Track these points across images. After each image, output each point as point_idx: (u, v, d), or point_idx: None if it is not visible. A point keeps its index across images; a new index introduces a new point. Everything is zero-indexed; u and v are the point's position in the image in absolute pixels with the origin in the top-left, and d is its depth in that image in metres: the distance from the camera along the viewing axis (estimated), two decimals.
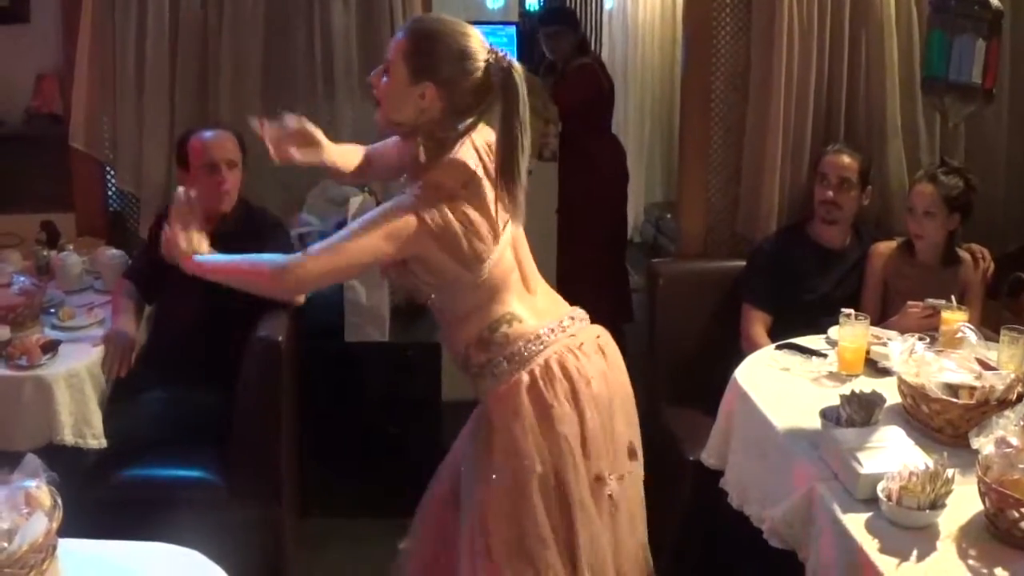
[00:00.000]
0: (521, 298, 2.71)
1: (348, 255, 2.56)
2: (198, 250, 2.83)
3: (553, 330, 2.69)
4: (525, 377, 2.63)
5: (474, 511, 2.67)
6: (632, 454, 2.83)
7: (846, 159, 4.15)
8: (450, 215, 2.51)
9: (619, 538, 2.75)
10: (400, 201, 2.54)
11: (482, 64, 2.53)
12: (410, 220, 2.49)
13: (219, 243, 3.79)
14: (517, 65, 2.53)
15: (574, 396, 2.64)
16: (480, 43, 2.56)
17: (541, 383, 2.63)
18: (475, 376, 2.74)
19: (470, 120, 2.61)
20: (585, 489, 2.64)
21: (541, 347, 2.66)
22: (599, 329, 2.86)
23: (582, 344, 2.72)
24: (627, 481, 2.79)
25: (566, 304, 2.85)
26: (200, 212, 2.97)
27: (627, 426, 2.83)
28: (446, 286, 2.64)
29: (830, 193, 4.13)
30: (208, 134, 3.96)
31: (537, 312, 2.72)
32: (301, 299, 3.91)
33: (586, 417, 2.64)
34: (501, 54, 2.55)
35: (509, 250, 2.69)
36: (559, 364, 2.65)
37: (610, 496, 2.70)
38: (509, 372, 2.66)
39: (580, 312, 2.83)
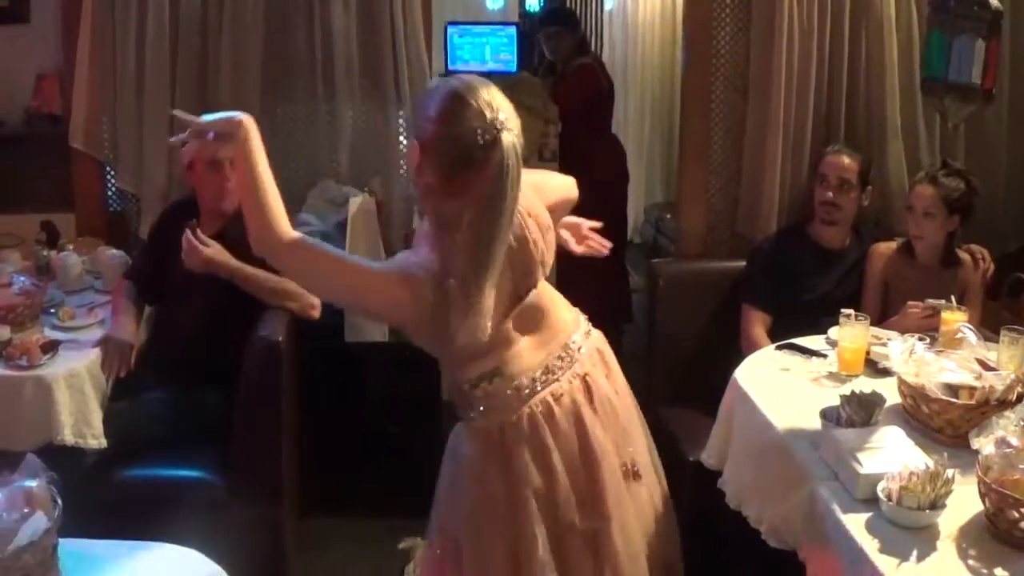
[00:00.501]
0: (509, 346, 2.61)
1: (332, 265, 2.50)
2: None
3: (535, 380, 2.60)
4: (495, 432, 2.59)
5: (435, 527, 2.73)
6: (634, 476, 2.77)
7: (846, 160, 4.15)
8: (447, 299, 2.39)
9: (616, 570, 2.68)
10: (410, 267, 2.44)
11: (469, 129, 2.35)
12: (404, 296, 2.40)
13: (222, 244, 3.83)
14: (507, 138, 2.35)
15: (542, 455, 2.58)
16: (479, 106, 2.36)
17: (510, 441, 2.58)
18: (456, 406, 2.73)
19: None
20: (544, 546, 2.57)
21: (518, 402, 2.58)
22: (597, 342, 2.81)
23: (562, 395, 2.62)
24: (620, 516, 2.69)
25: (566, 327, 2.73)
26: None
27: (624, 444, 2.76)
28: (424, 341, 2.57)
29: (830, 194, 4.13)
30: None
31: (526, 357, 2.62)
32: (316, 313, 3.92)
33: (555, 474, 2.59)
34: (496, 120, 2.36)
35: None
36: (530, 424, 2.58)
37: (590, 537, 2.64)
38: (483, 422, 2.61)
39: (576, 337, 2.73)
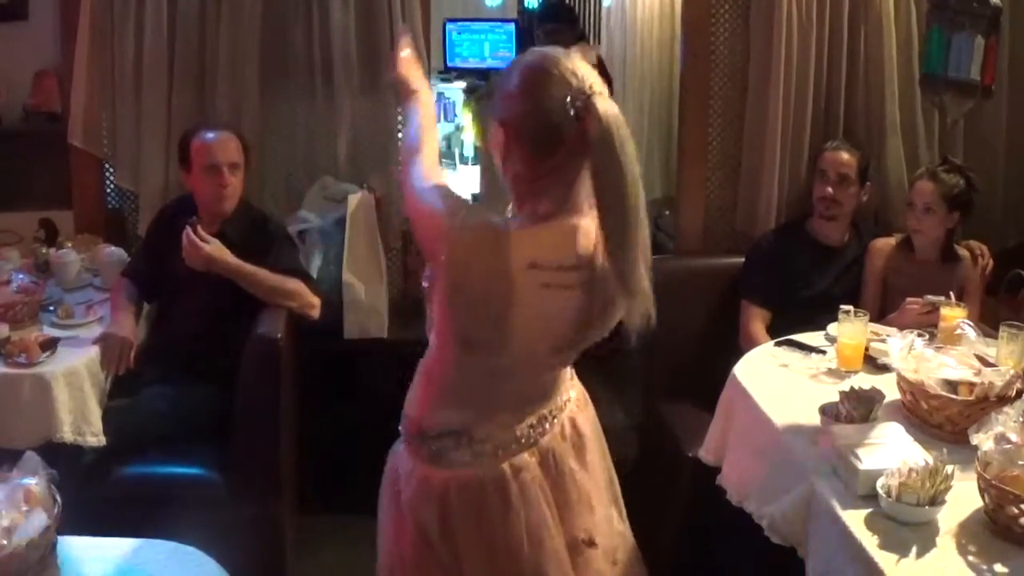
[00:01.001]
0: (499, 410, 2.35)
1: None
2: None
3: (498, 447, 2.33)
4: (437, 482, 2.35)
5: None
6: (587, 544, 2.47)
7: (845, 155, 4.15)
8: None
9: None
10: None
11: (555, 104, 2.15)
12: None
13: (222, 243, 3.83)
14: (602, 103, 2.13)
15: (488, 525, 2.34)
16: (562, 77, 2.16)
17: (451, 497, 2.33)
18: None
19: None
20: None
21: (474, 463, 2.33)
22: (573, 406, 2.49)
23: (521, 471, 2.33)
24: None
25: (554, 392, 2.43)
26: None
27: (577, 520, 2.45)
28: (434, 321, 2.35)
29: (829, 189, 4.13)
30: (211, 135, 3.96)
31: (503, 429, 2.34)
32: (316, 313, 3.92)
33: (494, 548, 2.34)
34: (585, 85, 2.15)
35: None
36: (478, 489, 2.33)
37: None
38: (427, 463, 2.38)
39: (554, 406, 2.42)
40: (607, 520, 2.55)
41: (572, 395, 2.49)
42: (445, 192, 2.29)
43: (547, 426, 2.38)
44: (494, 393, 2.34)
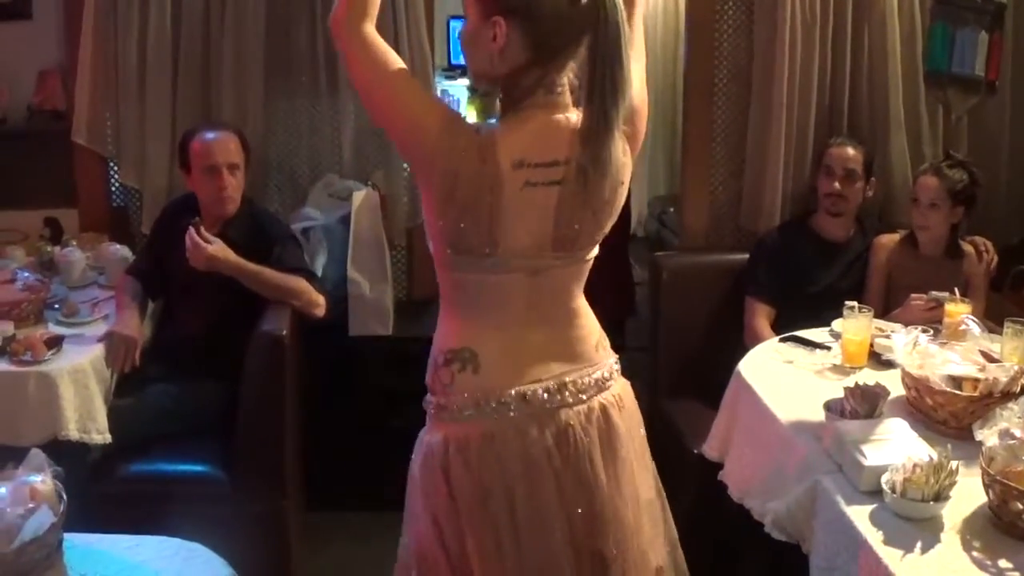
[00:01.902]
0: (503, 329, 2.26)
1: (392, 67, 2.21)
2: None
3: (506, 404, 2.23)
4: (438, 441, 2.26)
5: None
6: (593, 562, 2.32)
7: (851, 151, 4.16)
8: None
9: None
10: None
11: None
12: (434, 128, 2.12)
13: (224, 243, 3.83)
14: None
15: (490, 495, 2.23)
16: None
17: (454, 459, 2.23)
18: None
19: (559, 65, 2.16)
20: None
21: (475, 412, 2.23)
22: (611, 396, 2.36)
23: (531, 446, 2.22)
24: None
25: (582, 355, 2.33)
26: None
27: (591, 533, 2.31)
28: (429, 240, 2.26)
29: (836, 185, 4.13)
30: (210, 135, 3.95)
31: (511, 365, 2.25)
32: (320, 311, 3.92)
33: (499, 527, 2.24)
34: None
35: (522, 271, 2.23)
36: (483, 446, 2.22)
37: None
38: (432, 421, 2.31)
39: (586, 377, 2.31)
40: (641, 548, 2.39)
41: (611, 384, 2.37)
42: (423, 98, 2.22)
43: (567, 396, 2.27)
44: (496, 302, 2.26)
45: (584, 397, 2.30)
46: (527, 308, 2.26)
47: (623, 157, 2.21)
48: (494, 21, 2.09)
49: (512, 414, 2.22)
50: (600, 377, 2.34)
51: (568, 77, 2.17)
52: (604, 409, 2.32)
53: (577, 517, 2.28)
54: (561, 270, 2.28)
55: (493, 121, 2.23)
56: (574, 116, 2.16)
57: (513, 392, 2.22)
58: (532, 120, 2.16)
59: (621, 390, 2.40)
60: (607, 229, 2.29)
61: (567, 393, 2.27)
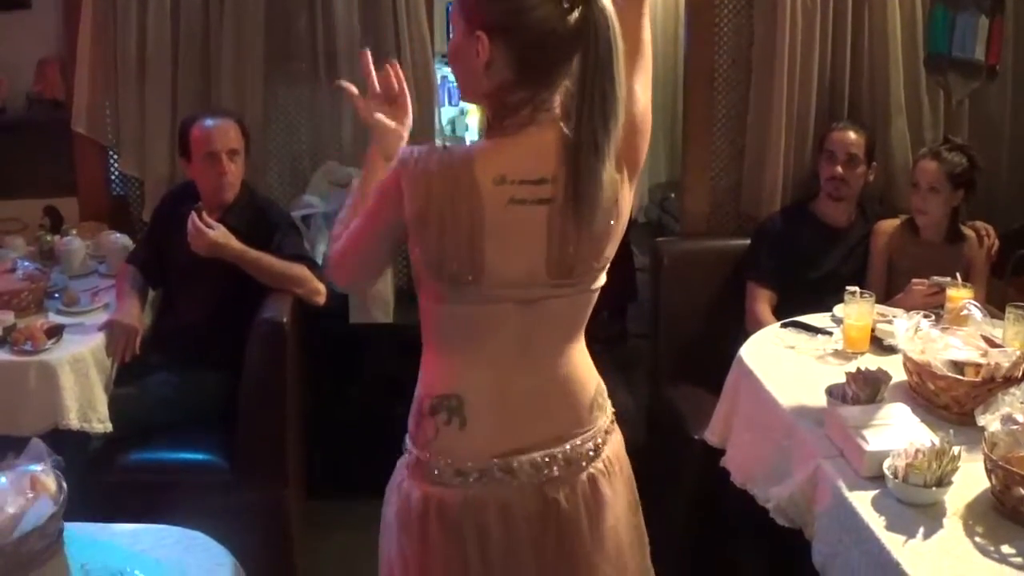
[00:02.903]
0: (492, 368, 2.13)
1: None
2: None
3: (485, 471, 2.11)
4: (417, 498, 2.16)
5: None
6: None
7: (852, 135, 4.15)
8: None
9: None
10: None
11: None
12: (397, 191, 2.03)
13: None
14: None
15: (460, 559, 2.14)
16: None
17: (429, 515, 2.14)
18: None
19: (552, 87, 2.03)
20: None
21: (454, 481, 2.12)
22: (596, 469, 2.21)
23: (511, 507, 2.13)
24: None
25: (571, 413, 2.19)
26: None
27: None
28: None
29: (839, 169, 4.13)
30: (209, 122, 3.94)
31: (502, 408, 2.12)
32: (322, 299, 3.92)
33: None
34: None
35: (511, 303, 2.08)
36: (461, 510, 2.12)
37: None
38: (411, 472, 2.20)
39: (575, 441, 2.17)
40: None
41: (603, 449, 2.23)
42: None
43: (554, 470, 2.14)
44: (484, 336, 2.11)
45: (573, 470, 2.17)
46: (518, 344, 2.12)
47: (616, 181, 2.06)
48: (477, 36, 1.98)
49: (496, 484, 2.11)
50: (592, 446, 2.20)
51: (561, 95, 2.04)
52: (593, 480, 2.20)
53: None
54: (558, 302, 2.12)
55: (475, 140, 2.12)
56: (565, 132, 2.02)
57: (497, 462, 2.11)
58: (516, 136, 2.03)
59: (611, 452, 2.26)
60: (608, 255, 2.12)
61: (555, 468, 2.15)
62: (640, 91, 2.13)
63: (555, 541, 2.16)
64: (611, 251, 2.12)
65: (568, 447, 2.16)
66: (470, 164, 1.99)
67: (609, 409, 2.29)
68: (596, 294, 2.17)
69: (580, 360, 2.22)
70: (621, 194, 2.09)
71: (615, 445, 2.28)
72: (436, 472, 2.12)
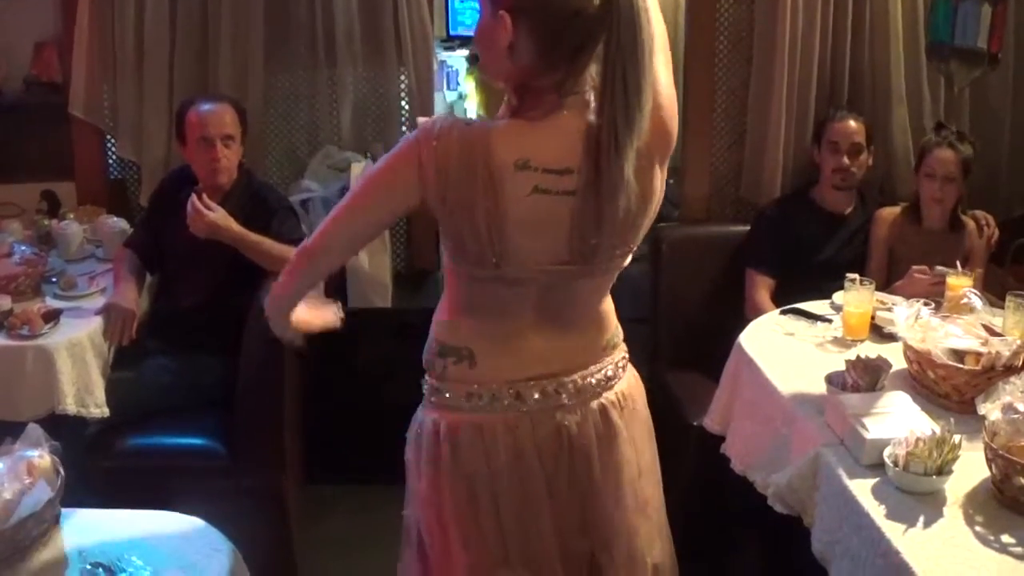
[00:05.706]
0: (507, 335, 2.18)
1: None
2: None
3: (499, 397, 2.17)
4: (429, 423, 2.23)
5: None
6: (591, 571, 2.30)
7: (853, 124, 4.16)
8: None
9: None
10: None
11: None
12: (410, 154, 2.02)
13: None
14: None
15: (476, 480, 2.18)
16: None
17: (440, 439, 2.19)
18: None
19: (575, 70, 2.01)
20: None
21: (467, 406, 2.18)
22: (608, 399, 2.27)
23: (517, 428, 2.17)
24: None
25: (584, 353, 2.24)
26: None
27: (582, 532, 2.27)
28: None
29: (846, 160, 4.13)
30: (206, 107, 3.91)
31: (510, 363, 2.18)
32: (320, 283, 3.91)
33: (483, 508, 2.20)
34: None
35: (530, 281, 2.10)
36: (472, 435, 2.17)
37: None
38: (427, 400, 2.27)
39: (586, 376, 2.23)
40: (638, 549, 2.34)
41: (615, 383, 2.29)
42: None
43: (563, 398, 2.19)
44: (504, 311, 2.16)
45: (583, 398, 2.22)
46: (537, 316, 2.16)
47: (642, 170, 2.02)
48: (500, 16, 1.95)
49: (504, 409, 2.16)
50: (603, 377, 2.26)
51: (590, 80, 2.02)
52: (604, 410, 2.25)
53: (569, 517, 2.24)
54: (580, 281, 2.15)
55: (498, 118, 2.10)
56: (591, 122, 1.99)
57: (507, 387, 2.16)
58: (541, 120, 2.01)
59: (627, 387, 2.32)
60: (634, 245, 2.15)
61: (564, 395, 2.20)
62: (662, 71, 2.10)
63: (566, 467, 2.21)
64: (637, 238, 2.15)
65: (578, 377, 2.21)
66: (487, 144, 1.97)
67: (622, 351, 2.34)
68: (618, 273, 2.21)
69: (599, 312, 2.28)
70: (651, 181, 2.08)
71: (630, 383, 2.35)
72: (448, 395, 2.19)
